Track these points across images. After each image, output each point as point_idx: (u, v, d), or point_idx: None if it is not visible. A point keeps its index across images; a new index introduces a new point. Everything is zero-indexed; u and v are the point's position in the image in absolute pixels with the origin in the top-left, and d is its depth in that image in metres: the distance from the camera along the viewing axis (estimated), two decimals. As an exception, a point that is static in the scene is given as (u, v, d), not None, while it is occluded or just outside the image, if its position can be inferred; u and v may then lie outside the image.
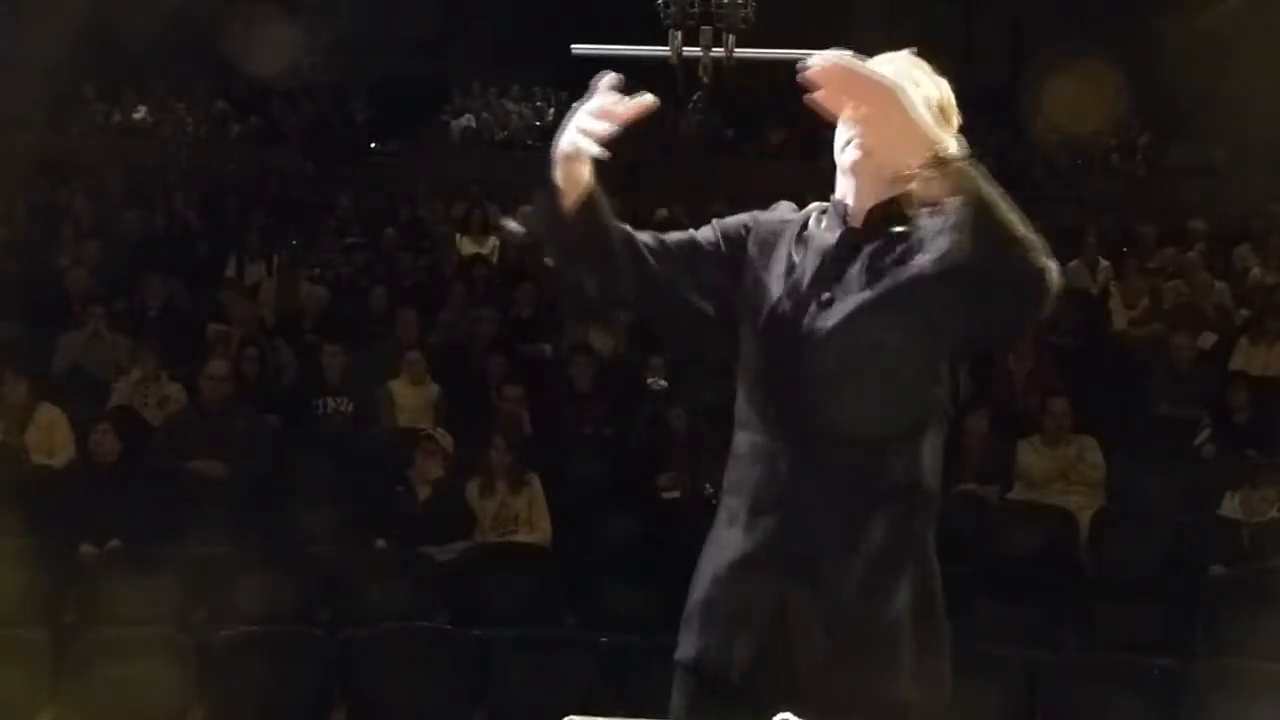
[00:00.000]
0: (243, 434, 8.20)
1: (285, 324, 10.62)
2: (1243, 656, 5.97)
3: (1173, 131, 17.28)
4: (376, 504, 7.71)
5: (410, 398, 8.88)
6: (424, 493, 7.62)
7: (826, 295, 2.61)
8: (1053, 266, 2.40)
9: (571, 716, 2.43)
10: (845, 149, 2.66)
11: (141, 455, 8.08)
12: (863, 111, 2.46)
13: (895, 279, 2.57)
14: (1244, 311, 11.04)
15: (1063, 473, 8.16)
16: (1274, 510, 7.66)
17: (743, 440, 2.70)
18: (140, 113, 17.65)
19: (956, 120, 2.67)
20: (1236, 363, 9.80)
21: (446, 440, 8.22)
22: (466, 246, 12.99)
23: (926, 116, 2.41)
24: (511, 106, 18.57)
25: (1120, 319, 11.23)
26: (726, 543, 2.69)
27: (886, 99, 2.39)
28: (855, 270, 2.62)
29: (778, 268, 2.70)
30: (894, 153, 2.43)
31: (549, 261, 2.82)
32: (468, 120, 18.14)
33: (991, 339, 3.26)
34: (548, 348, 10.22)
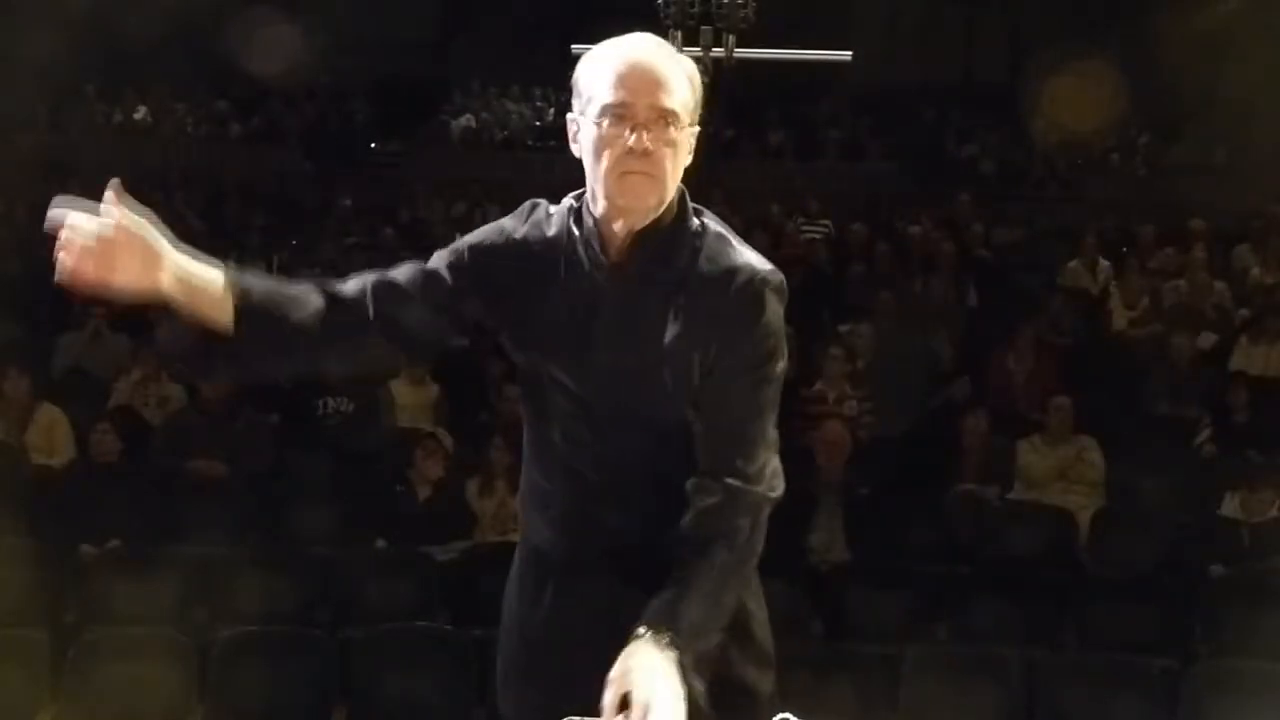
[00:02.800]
0: (243, 434, 8.20)
1: (285, 324, 10.61)
2: (1243, 656, 5.97)
3: (1173, 131, 17.31)
4: (376, 504, 7.71)
5: (410, 398, 8.88)
6: (424, 492, 7.62)
7: (590, 335, 2.52)
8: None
9: (571, 717, 2.42)
10: (626, 159, 2.44)
11: (141, 455, 8.08)
12: None
13: (664, 328, 2.49)
14: (1244, 311, 11.04)
15: (1063, 473, 8.16)
16: (1274, 510, 7.66)
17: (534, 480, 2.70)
18: (140, 113, 17.68)
19: (700, 103, 2.55)
20: (1236, 363, 9.79)
21: (447, 440, 8.22)
22: (466, 246, 12.99)
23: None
24: (511, 106, 18.59)
25: (1120, 319, 11.23)
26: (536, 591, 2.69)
27: None
28: (623, 308, 2.52)
29: (545, 306, 2.55)
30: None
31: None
32: (468, 120, 18.16)
33: None
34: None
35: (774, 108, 17.99)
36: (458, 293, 2.58)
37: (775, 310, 2.51)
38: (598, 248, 2.53)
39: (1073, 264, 12.23)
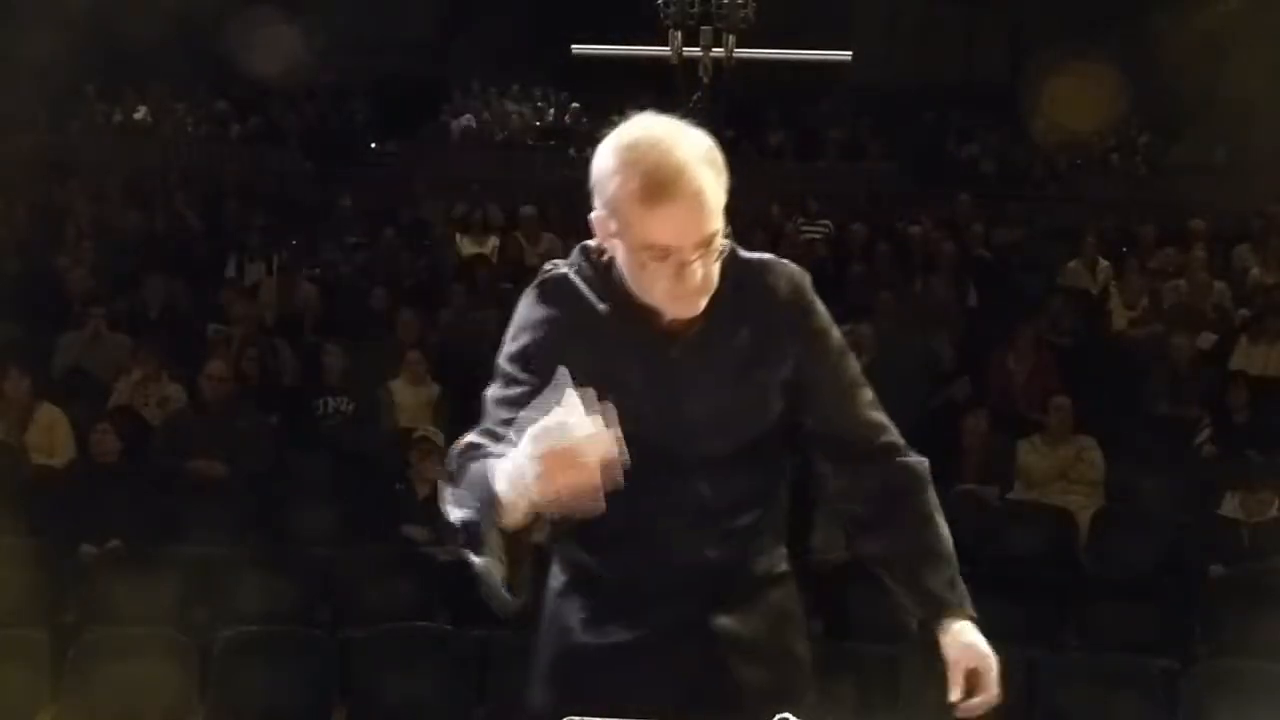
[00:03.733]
0: (243, 434, 8.20)
1: (285, 324, 10.62)
2: (1243, 656, 5.97)
3: (1173, 131, 17.30)
4: (376, 504, 7.71)
5: (410, 398, 8.87)
6: (423, 492, 7.62)
7: (675, 393, 2.50)
8: None
9: (571, 717, 2.42)
10: (674, 291, 2.40)
11: (141, 455, 8.08)
12: None
13: (745, 372, 2.51)
14: (1244, 311, 11.04)
15: (1063, 472, 8.16)
16: (1274, 510, 7.66)
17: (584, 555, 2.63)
18: (140, 113, 17.68)
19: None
20: (1236, 363, 9.79)
21: (439, 439, 8.20)
22: (466, 246, 12.99)
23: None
24: (511, 106, 18.59)
25: (1120, 319, 11.23)
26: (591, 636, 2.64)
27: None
28: (691, 352, 2.50)
29: (609, 366, 2.44)
30: None
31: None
32: (468, 120, 18.16)
33: None
34: (548, 347, 10.21)
35: (774, 108, 17.99)
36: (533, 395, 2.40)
37: (810, 288, 2.58)
38: (644, 319, 2.48)
39: (1073, 264, 12.23)
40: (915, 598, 2.64)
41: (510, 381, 2.55)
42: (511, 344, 2.59)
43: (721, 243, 2.43)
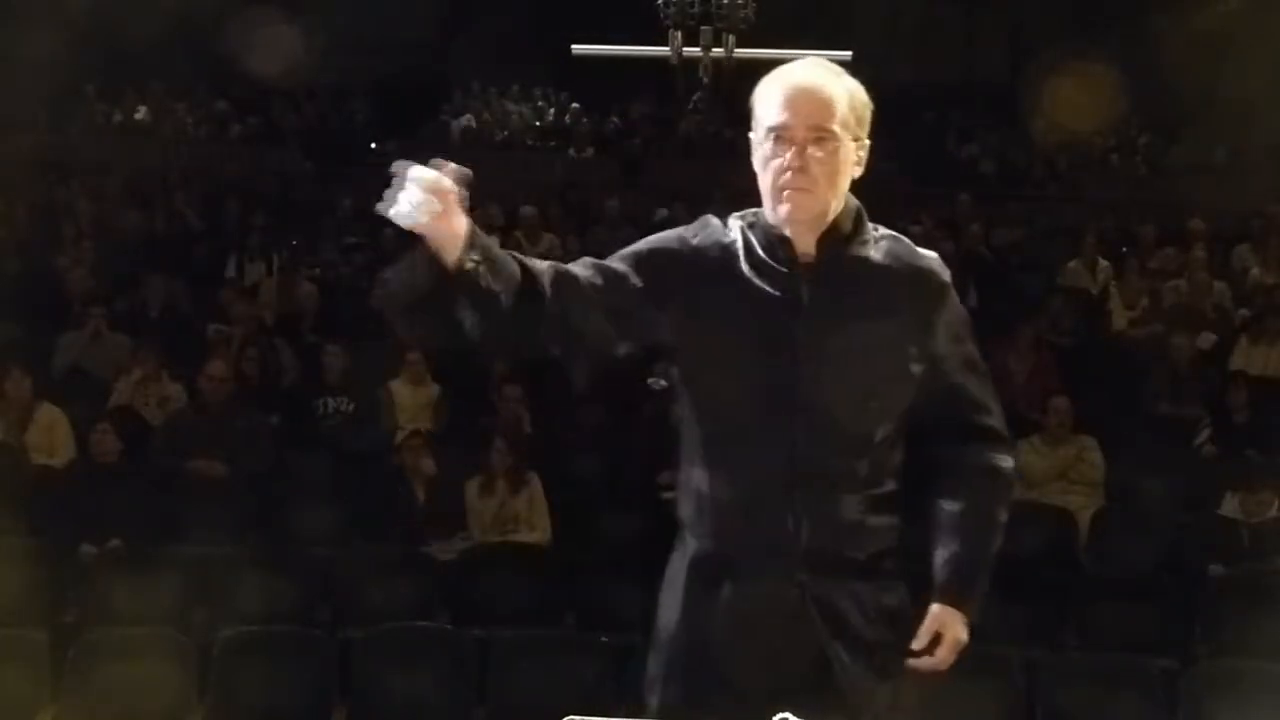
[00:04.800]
0: (243, 434, 8.20)
1: (285, 324, 10.62)
2: (1243, 656, 5.97)
3: (1173, 131, 17.28)
4: (376, 504, 7.71)
5: (410, 398, 8.87)
6: (422, 492, 7.63)
7: (807, 333, 2.66)
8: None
9: (571, 716, 2.43)
10: (783, 176, 2.66)
11: (141, 455, 8.08)
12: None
13: (874, 321, 2.68)
14: (1244, 311, 11.05)
15: (1063, 473, 8.16)
16: (1274, 510, 7.66)
17: (716, 480, 2.74)
18: (140, 113, 17.65)
19: (868, 121, 2.75)
20: (1236, 363, 9.80)
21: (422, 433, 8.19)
22: (467, 246, 12.97)
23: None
24: (511, 106, 18.56)
25: (1120, 319, 11.23)
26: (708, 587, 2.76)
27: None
28: (827, 303, 2.67)
29: (731, 306, 2.69)
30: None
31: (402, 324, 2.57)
32: (468, 120, 18.13)
33: None
34: (548, 348, 10.21)
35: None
36: (637, 293, 2.66)
37: (950, 283, 2.79)
38: (782, 252, 2.69)
39: (1073, 264, 12.23)
40: (941, 570, 2.83)
41: (622, 267, 2.69)
42: (644, 242, 2.77)
43: (841, 153, 2.65)
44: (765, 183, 2.69)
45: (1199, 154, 16.75)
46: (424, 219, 2.45)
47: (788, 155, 2.64)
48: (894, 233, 2.81)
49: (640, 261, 2.70)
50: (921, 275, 2.75)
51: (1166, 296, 11.28)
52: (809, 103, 2.66)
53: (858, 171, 2.73)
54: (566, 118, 18.13)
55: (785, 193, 2.65)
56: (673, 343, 2.70)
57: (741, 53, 13.14)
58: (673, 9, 12.50)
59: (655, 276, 2.67)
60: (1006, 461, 2.86)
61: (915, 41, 18.52)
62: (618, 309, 2.64)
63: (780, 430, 2.64)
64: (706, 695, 2.71)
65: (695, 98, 12.61)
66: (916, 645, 2.75)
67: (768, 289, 2.67)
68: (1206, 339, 10.38)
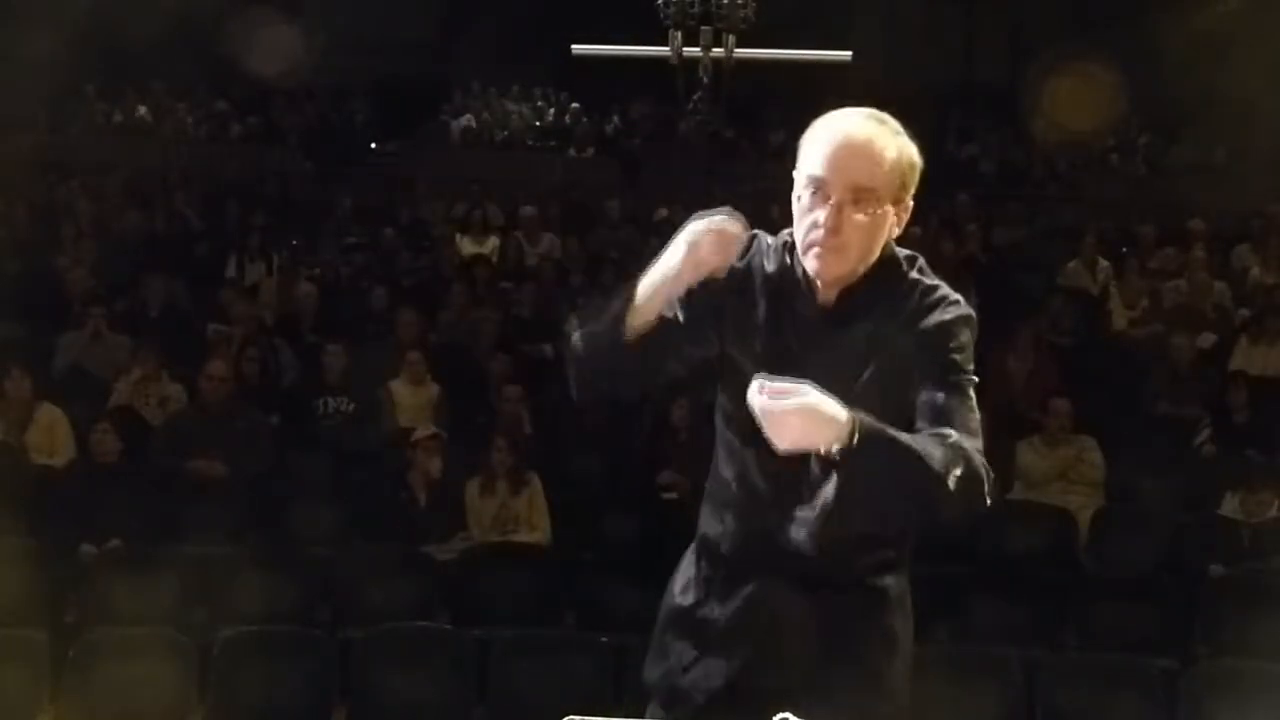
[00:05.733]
0: (243, 434, 8.20)
1: (285, 324, 10.62)
2: (1243, 656, 5.97)
3: (1173, 131, 17.29)
4: (376, 504, 7.71)
5: (410, 398, 8.87)
6: (423, 494, 7.62)
7: (813, 371, 2.59)
8: (976, 466, 2.66)
9: (571, 716, 2.43)
10: (815, 233, 2.61)
11: (141, 455, 8.08)
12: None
13: (882, 363, 2.64)
14: (1244, 311, 11.04)
15: (1063, 473, 8.16)
16: (1274, 510, 7.67)
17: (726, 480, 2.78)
18: (140, 113, 17.66)
19: (914, 182, 2.69)
20: (1236, 363, 9.79)
21: (444, 436, 8.20)
22: (466, 246, 12.99)
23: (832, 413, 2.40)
24: (511, 106, 18.57)
25: (1120, 319, 11.23)
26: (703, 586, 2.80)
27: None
28: (841, 349, 2.66)
29: (764, 328, 2.71)
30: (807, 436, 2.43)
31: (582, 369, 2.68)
32: (468, 120, 18.14)
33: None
34: (548, 348, 10.22)
35: (774, 108, 17.99)
36: (692, 312, 2.69)
37: (967, 336, 2.67)
38: (808, 291, 2.68)
39: (1073, 264, 12.23)
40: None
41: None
42: None
43: (880, 214, 2.58)
44: (798, 232, 2.65)
45: (1199, 154, 16.77)
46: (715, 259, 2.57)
47: (822, 212, 2.58)
48: (934, 282, 2.71)
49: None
50: (937, 331, 2.66)
51: (1166, 296, 11.29)
52: (853, 159, 2.58)
53: (896, 232, 2.68)
54: (566, 118, 18.13)
55: (815, 250, 2.61)
56: (722, 355, 2.75)
57: (741, 53, 13.14)
58: (673, 9, 12.49)
59: (702, 295, 2.69)
60: (965, 444, 2.67)
61: (915, 41, 18.52)
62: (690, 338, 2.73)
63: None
64: (705, 689, 2.74)
65: (695, 98, 12.60)
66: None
67: (791, 320, 2.68)
68: (1206, 339, 10.38)
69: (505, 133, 18.17)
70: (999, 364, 9.45)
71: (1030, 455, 8.21)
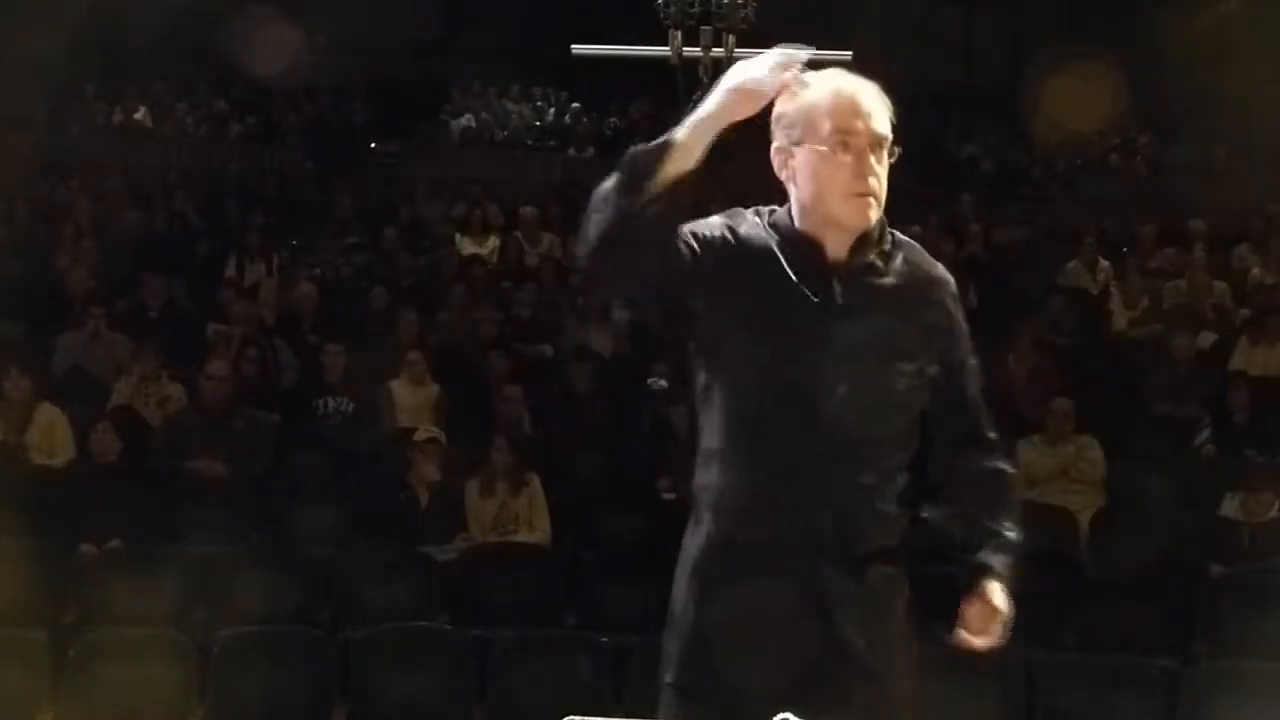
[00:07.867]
0: (243, 434, 8.20)
1: (285, 324, 10.62)
2: (1243, 656, 5.97)
3: (1173, 131, 17.28)
4: (376, 504, 7.71)
5: (410, 398, 8.87)
6: (424, 494, 7.63)
7: (837, 332, 2.70)
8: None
9: (571, 716, 2.43)
10: (856, 181, 2.69)
11: (141, 455, 8.08)
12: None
13: (899, 324, 2.74)
14: (1244, 311, 11.04)
15: (1063, 472, 8.16)
16: (1274, 510, 7.66)
17: (733, 458, 2.75)
18: (140, 113, 17.64)
19: (889, 150, 2.74)
20: (1236, 363, 9.79)
21: (443, 439, 8.20)
22: (466, 246, 12.99)
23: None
24: (511, 106, 18.55)
25: (1120, 319, 11.23)
26: (722, 565, 2.76)
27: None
28: (856, 305, 2.71)
29: (766, 299, 2.72)
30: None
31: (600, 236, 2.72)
32: (468, 120, 18.13)
33: None
34: (548, 348, 10.22)
35: (774, 108, 17.96)
36: (695, 258, 2.70)
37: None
38: (813, 254, 2.72)
39: (1073, 264, 12.23)
40: (986, 552, 2.91)
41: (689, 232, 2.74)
42: (701, 222, 2.79)
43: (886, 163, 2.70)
44: (824, 190, 2.69)
45: (1199, 154, 16.76)
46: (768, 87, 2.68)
47: (851, 167, 2.67)
48: (908, 239, 2.86)
49: (701, 234, 2.75)
50: (938, 283, 2.83)
51: (1166, 296, 11.29)
52: (873, 112, 2.71)
53: None
54: (566, 118, 18.12)
55: (854, 200, 2.68)
56: (700, 315, 2.73)
57: (741, 53, 13.11)
58: (673, 9, 12.45)
59: (704, 247, 2.72)
60: (1012, 469, 3.03)
61: (915, 42, 18.50)
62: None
63: (805, 424, 2.67)
64: (718, 683, 2.72)
65: (695, 98, 12.60)
66: (971, 620, 2.85)
67: (803, 288, 2.70)
68: (1206, 339, 10.38)
69: (505, 133, 18.16)
70: (999, 364, 9.45)
71: (1030, 455, 8.19)
